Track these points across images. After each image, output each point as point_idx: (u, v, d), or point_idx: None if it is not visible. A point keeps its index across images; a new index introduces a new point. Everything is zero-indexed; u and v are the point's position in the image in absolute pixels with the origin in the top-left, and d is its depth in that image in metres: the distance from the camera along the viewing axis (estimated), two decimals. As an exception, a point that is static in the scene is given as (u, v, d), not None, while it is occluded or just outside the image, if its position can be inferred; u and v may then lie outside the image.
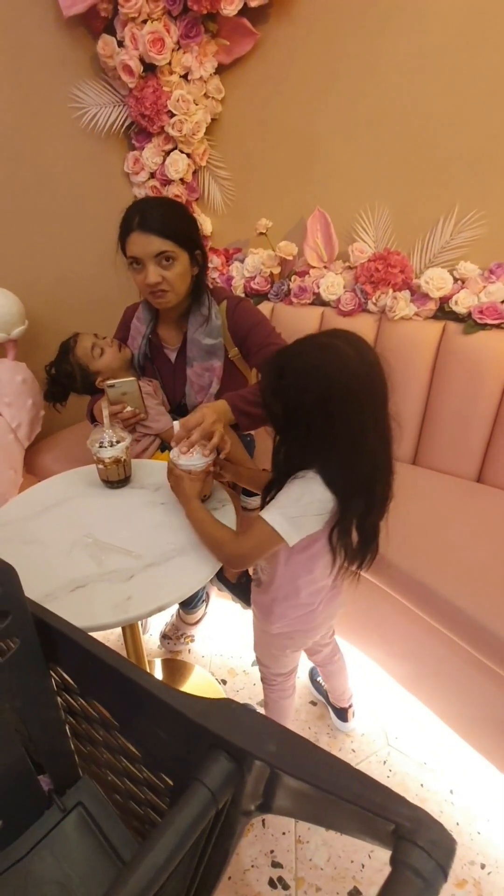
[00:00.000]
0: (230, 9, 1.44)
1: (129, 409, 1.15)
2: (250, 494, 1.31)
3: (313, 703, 1.32)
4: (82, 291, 1.74)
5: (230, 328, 1.19)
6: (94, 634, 0.47)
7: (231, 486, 1.27)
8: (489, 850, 1.04)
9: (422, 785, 1.16)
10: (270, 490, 0.76)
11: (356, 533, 0.76)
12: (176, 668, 1.43)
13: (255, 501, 1.30)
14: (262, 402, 0.74)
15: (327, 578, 0.86)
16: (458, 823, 1.09)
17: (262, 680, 1.09)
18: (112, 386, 1.12)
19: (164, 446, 1.26)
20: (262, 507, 0.77)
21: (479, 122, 1.26)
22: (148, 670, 1.15)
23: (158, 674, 1.41)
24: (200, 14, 1.45)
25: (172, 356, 1.27)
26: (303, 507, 0.71)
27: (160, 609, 0.74)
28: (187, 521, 0.90)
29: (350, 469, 0.69)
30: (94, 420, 1.27)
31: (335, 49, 1.39)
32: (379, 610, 1.21)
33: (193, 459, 0.89)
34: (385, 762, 1.20)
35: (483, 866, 1.02)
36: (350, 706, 1.23)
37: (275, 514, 0.72)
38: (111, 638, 1.47)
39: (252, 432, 1.47)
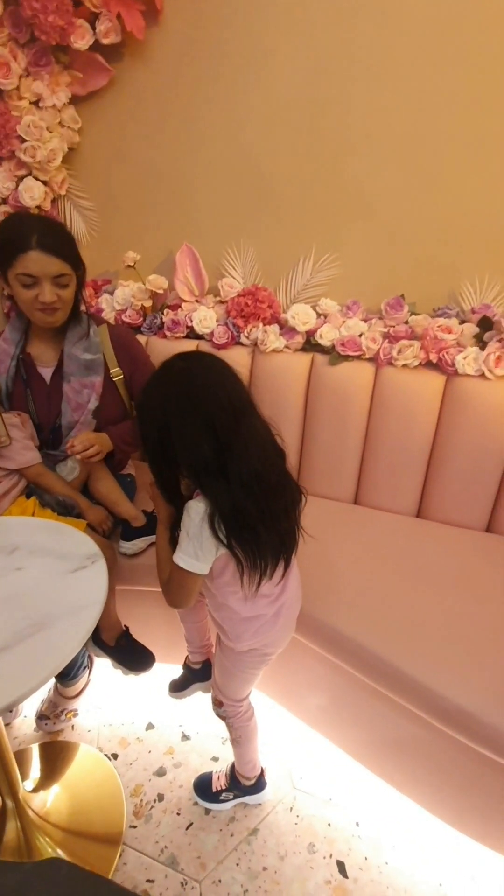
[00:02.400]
0: (81, 43, 1.41)
1: None
2: (129, 538, 1.21)
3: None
4: None
5: (116, 349, 1.21)
6: None
7: (104, 535, 1.17)
8: (398, 879, 1.03)
9: (329, 824, 1.12)
10: (177, 523, 0.81)
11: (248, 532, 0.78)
12: (56, 751, 1.24)
13: (135, 546, 1.20)
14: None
15: (253, 588, 0.83)
16: (366, 858, 1.07)
17: (224, 719, 1.06)
18: None
19: (31, 491, 1.12)
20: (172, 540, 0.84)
21: (327, 172, 1.37)
22: (16, 773, 0.98)
23: (35, 763, 1.21)
24: (49, 45, 1.40)
25: (48, 375, 1.18)
26: (192, 535, 0.77)
27: (12, 706, 0.62)
28: (50, 587, 0.81)
29: (195, 467, 0.75)
30: None
31: (189, 92, 1.43)
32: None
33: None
34: (291, 808, 1.15)
35: (392, 899, 1.00)
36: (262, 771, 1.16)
37: (178, 556, 0.80)
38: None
39: (133, 474, 1.39)
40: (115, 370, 1.20)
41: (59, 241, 1.05)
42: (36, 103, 1.48)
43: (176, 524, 0.83)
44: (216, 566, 0.81)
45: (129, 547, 1.19)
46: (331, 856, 1.07)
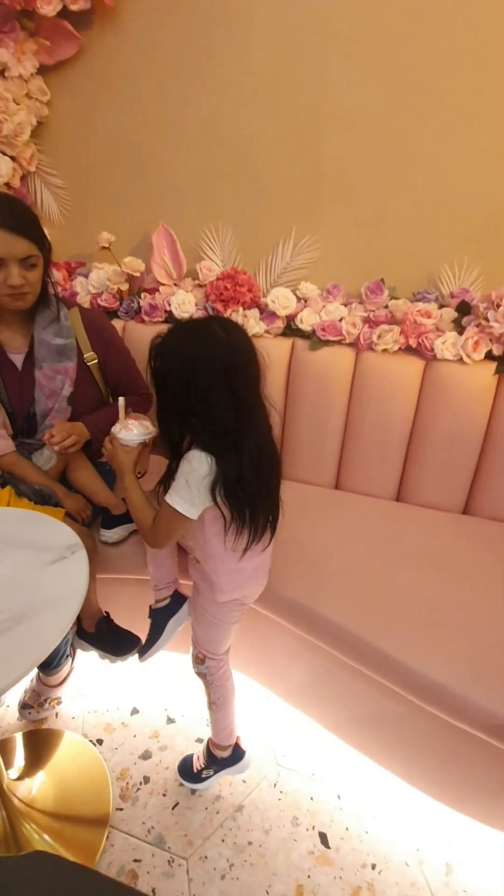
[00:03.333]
0: (48, 8, 1.33)
1: None
2: (110, 527, 1.20)
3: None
4: None
5: (89, 333, 1.18)
6: None
7: (84, 524, 1.15)
8: (378, 846, 1.08)
9: (311, 798, 1.16)
10: (170, 472, 0.86)
11: (244, 498, 0.83)
12: (41, 739, 1.24)
13: (115, 534, 1.20)
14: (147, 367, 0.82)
15: (240, 549, 0.90)
16: (347, 829, 1.11)
17: (205, 677, 1.08)
18: None
19: (6, 481, 1.10)
20: (162, 488, 0.87)
21: (307, 152, 1.34)
22: (0, 760, 0.97)
23: (19, 751, 1.21)
24: (14, 9, 1.32)
25: (19, 361, 1.15)
26: (192, 483, 0.81)
27: (-13, 698, 0.61)
28: (29, 579, 0.79)
29: (214, 433, 0.79)
30: None
31: (163, 62, 1.37)
32: (254, 628, 1.19)
33: (132, 434, 0.95)
34: (275, 784, 1.18)
35: (374, 866, 1.05)
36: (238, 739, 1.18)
37: (173, 497, 0.83)
38: (-46, 722, 1.23)
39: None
40: (88, 354, 1.17)
41: (25, 220, 1.01)
42: (1, 73, 1.40)
43: (170, 473, 0.86)
44: (209, 516, 0.86)
45: (109, 535, 1.18)
46: (314, 828, 1.11)
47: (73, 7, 1.34)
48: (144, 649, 1.13)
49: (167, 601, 1.13)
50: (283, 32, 1.27)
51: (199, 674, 1.09)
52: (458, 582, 1.12)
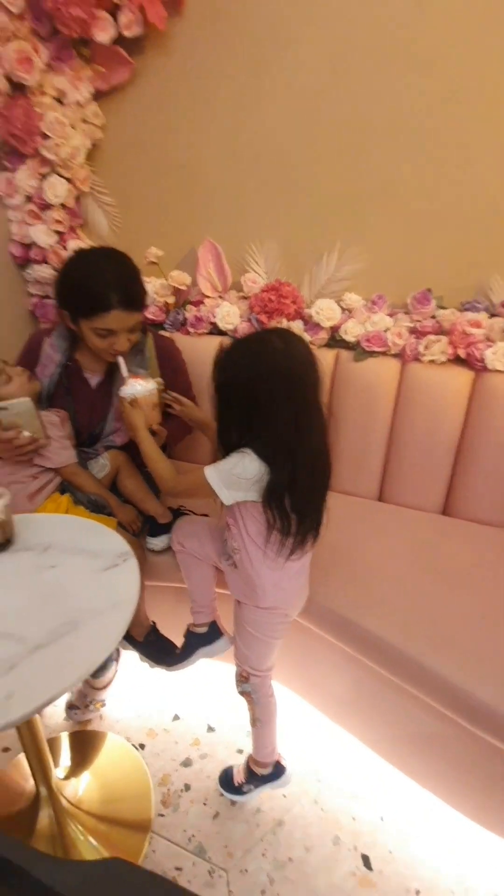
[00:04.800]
0: (103, 36, 1.40)
1: (25, 433, 1.03)
2: (156, 535, 1.23)
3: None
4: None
5: (160, 360, 1.23)
6: None
7: (133, 534, 1.18)
8: (423, 872, 1.05)
9: (353, 818, 1.14)
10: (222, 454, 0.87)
11: (292, 506, 0.85)
12: (86, 740, 1.27)
13: (162, 542, 1.22)
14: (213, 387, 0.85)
15: (282, 557, 0.91)
16: (390, 851, 1.08)
17: (248, 695, 1.08)
18: (4, 408, 1.01)
19: (65, 488, 1.14)
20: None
21: (351, 165, 1.35)
22: (50, 761, 1.01)
23: (65, 751, 1.25)
24: (71, 38, 1.39)
25: (94, 382, 1.21)
26: (237, 473, 0.83)
27: (49, 702, 0.64)
28: (83, 585, 0.83)
29: (272, 442, 0.81)
30: None
31: (213, 84, 1.41)
32: (296, 641, 1.18)
33: (134, 387, 1.01)
34: (316, 801, 1.16)
35: (418, 893, 1.02)
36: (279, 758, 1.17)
37: (212, 472, 0.86)
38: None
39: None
40: (157, 379, 1.20)
41: (139, 294, 1.08)
42: (59, 99, 1.47)
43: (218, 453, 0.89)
44: (254, 512, 0.88)
45: (156, 543, 1.21)
46: (355, 848, 1.09)
47: (127, 33, 1.40)
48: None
49: (205, 629, 1.15)
50: (329, 50, 1.28)
51: (243, 692, 1.09)
52: (510, 602, 1.08)
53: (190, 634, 1.17)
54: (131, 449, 1.23)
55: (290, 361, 0.79)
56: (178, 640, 1.23)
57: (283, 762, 1.16)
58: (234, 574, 1.01)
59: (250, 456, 0.83)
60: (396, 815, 1.14)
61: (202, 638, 1.16)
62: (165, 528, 1.22)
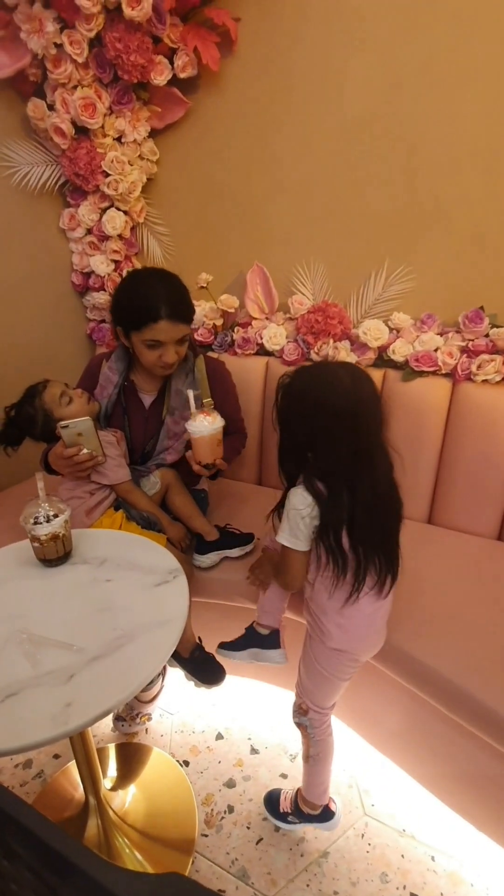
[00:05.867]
0: (160, 79, 1.49)
1: (85, 451, 1.09)
2: (203, 552, 1.25)
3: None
4: (20, 348, 1.67)
5: (211, 381, 1.26)
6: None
7: (181, 551, 1.21)
8: (477, 922, 0.98)
9: (402, 856, 1.09)
10: (281, 501, 0.89)
11: (351, 544, 0.84)
12: (131, 753, 1.30)
13: (208, 560, 1.24)
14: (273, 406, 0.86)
15: (349, 589, 0.88)
16: (441, 894, 1.02)
17: (304, 729, 1.04)
18: (66, 426, 1.07)
19: (119, 505, 1.19)
20: (275, 512, 0.91)
21: (402, 185, 1.35)
22: (100, 771, 1.03)
23: (112, 763, 1.28)
24: (131, 83, 1.49)
25: (148, 402, 1.27)
26: (291, 518, 0.85)
27: (106, 713, 0.66)
28: (136, 599, 0.86)
29: (327, 476, 0.81)
30: (48, 468, 1.20)
31: (262, 116, 1.47)
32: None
33: (202, 424, 1.05)
34: (363, 835, 1.12)
35: (473, 944, 0.95)
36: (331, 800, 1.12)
37: (281, 536, 0.88)
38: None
39: (206, 489, 1.43)
40: (207, 400, 1.24)
41: (187, 307, 1.13)
42: (118, 139, 1.58)
43: (281, 503, 0.89)
44: (312, 557, 0.88)
45: (202, 560, 1.23)
46: (404, 887, 1.04)
47: (182, 75, 1.49)
48: (223, 647, 1.14)
49: (266, 632, 1.12)
50: (378, 75, 1.30)
51: (299, 724, 1.05)
52: None
53: (251, 629, 1.14)
54: (180, 467, 1.28)
55: (354, 398, 0.79)
56: (222, 658, 1.23)
57: (334, 807, 1.11)
58: (306, 607, 0.99)
59: (296, 491, 0.83)
60: (448, 857, 1.08)
61: (261, 639, 1.12)
62: (213, 546, 1.24)
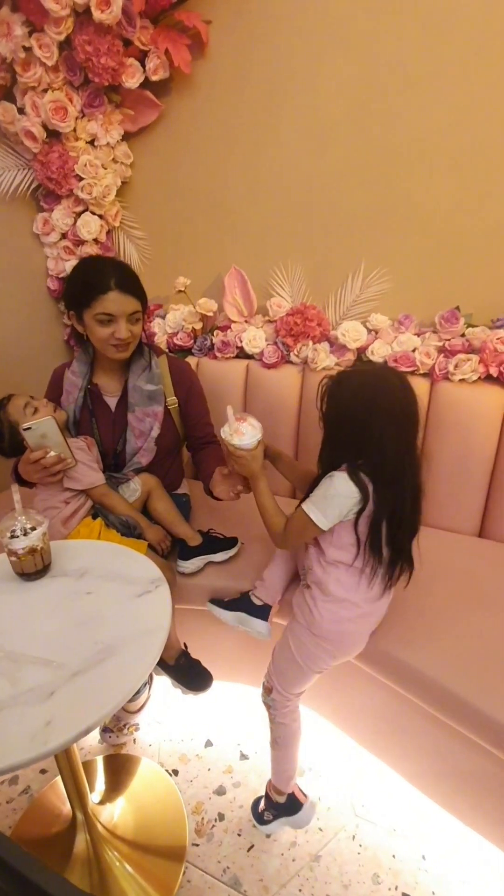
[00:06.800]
0: (131, 82, 1.48)
1: (52, 453, 1.07)
2: (186, 558, 1.24)
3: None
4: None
5: (174, 380, 1.27)
6: None
7: (163, 554, 1.20)
8: (468, 918, 0.99)
9: (393, 856, 1.09)
10: (315, 483, 0.90)
11: (387, 538, 0.88)
12: (120, 764, 1.28)
13: (192, 565, 1.23)
14: (318, 406, 0.89)
15: (362, 577, 0.92)
16: (433, 893, 1.03)
17: (269, 709, 1.07)
18: (28, 428, 1.04)
19: (97, 513, 1.18)
20: (304, 499, 0.92)
21: (375, 187, 1.36)
22: (86, 786, 1.02)
23: (100, 775, 1.26)
24: (102, 86, 1.47)
25: (113, 404, 1.26)
26: (329, 497, 0.87)
27: (87, 731, 0.65)
28: (118, 611, 0.85)
29: (373, 470, 0.85)
30: (19, 480, 1.18)
31: (236, 118, 1.46)
32: (336, 671, 1.16)
33: (246, 438, 0.98)
34: (354, 837, 1.13)
35: (464, 940, 0.96)
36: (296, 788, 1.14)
37: (308, 506, 0.89)
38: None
39: (188, 493, 1.42)
40: (170, 399, 1.26)
41: (134, 281, 1.14)
42: (91, 142, 1.56)
43: (313, 486, 0.91)
44: (342, 530, 0.90)
45: (186, 566, 1.22)
46: (396, 888, 1.04)
47: (154, 77, 1.48)
48: (213, 602, 1.17)
49: (260, 603, 1.14)
50: (351, 77, 1.31)
51: (265, 703, 1.08)
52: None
53: (246, 595, 1.15)
54: (160, 471, 1.27)
55: (405, 400, 0.84)
56: (211, 664, 1.23)
57: (304, 799, 1.13)
58: (300, 592, 1.02)
59: (340, 476, 0.86)
60: (439, 855, 1.09)
61: (253, 607, 1.13)
62: (196, 551, 1.23)
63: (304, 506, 0.90)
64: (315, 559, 0.96)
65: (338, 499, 0.86)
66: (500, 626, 1.04)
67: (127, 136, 1.60)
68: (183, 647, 1.22)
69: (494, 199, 1.25)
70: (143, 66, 1.47)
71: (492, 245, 1.29)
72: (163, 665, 1.21)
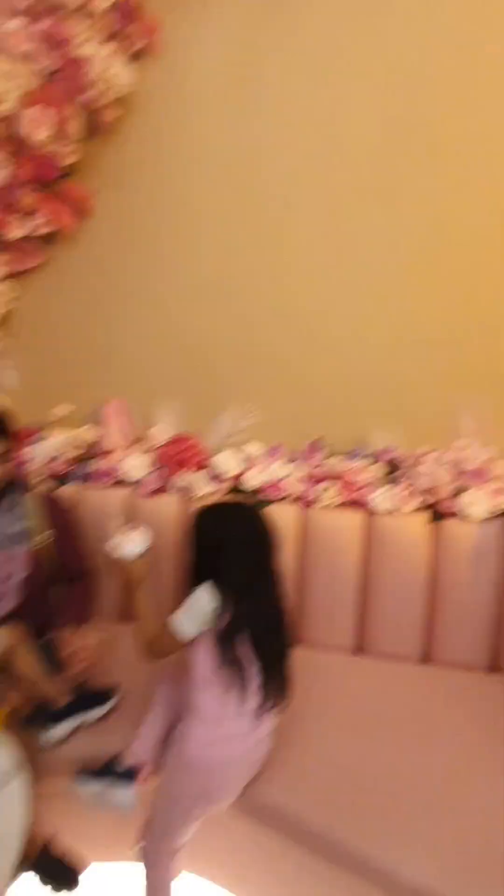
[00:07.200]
0: (16, 233, 1.57)
1: None
2: (56, 721, 1.09)
3: None
4: None
5: (46, 515, 1.22)
6: None
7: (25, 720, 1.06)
8: None
9: None
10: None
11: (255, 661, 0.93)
12: None
13: (60, 732, 1.09)
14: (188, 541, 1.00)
15: (229, 696, 0.93)
16: None
17: (146, 864, 1.00)
18: None
19: None
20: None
21: (242, 335, 1.56)
22: None
23: None
24: (-16, 232, 1.55)
25: None
26: (190, 608, 0.94)
27: None
28: None
29: (231, 588, 0.92)
30: None
31: (119, 270, 1.62)
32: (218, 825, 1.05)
33: (136, 545, 1.04)
34: None
35: None
36: None
37: (172, 617, 0.95)
38: None
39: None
40: (40, 537, 1.20)
41: (2, 421, 1.14)
42: (-31, 279, 1.59)
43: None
44: (200, 652, 0.94)
45: (51, 736, 1.07)
46: None
47: (38, 233, 1.59)
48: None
49: (123, 769, 1.03)
50: (216, 247, 1.55)
51: (139, 856, 1.01)
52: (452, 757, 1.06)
53: (108, 764, 1.04)
54: (30, 614, 1.15)
55: (259, 528, 0.97)
56: (89, 843, 1.04)
57: None
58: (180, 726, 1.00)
59: (201, 588, 0.93)
60: None
61: (118, 775, 1.03)
62: (64, 712, 1.10)
63: (169, 618, 0.96)
64: (187, 681, 0.98)
65: (197, 608, 0.93)
66: (387, 756, 1.05)
67: (12, 275, 1.66)
68: (48, 839, 1.03)
69: (336, 354, 1.52)
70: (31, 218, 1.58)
71: (341, 384, 1.52)
72: (24, 863, 1.01)
